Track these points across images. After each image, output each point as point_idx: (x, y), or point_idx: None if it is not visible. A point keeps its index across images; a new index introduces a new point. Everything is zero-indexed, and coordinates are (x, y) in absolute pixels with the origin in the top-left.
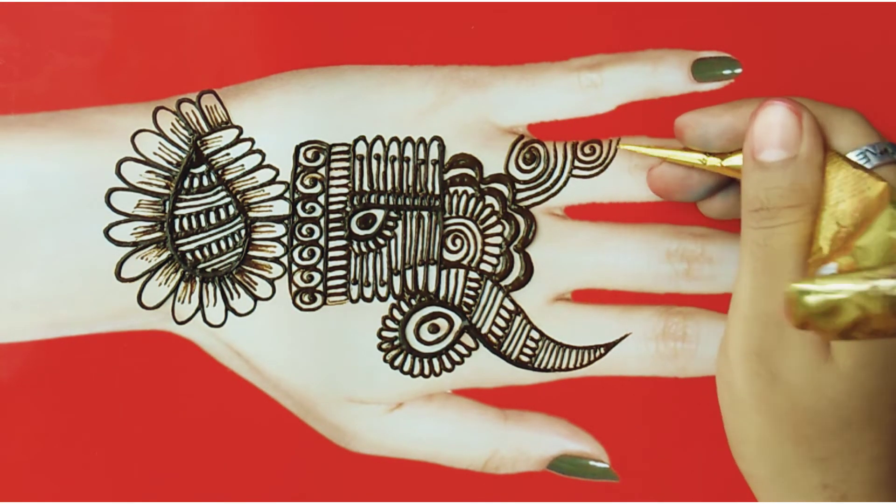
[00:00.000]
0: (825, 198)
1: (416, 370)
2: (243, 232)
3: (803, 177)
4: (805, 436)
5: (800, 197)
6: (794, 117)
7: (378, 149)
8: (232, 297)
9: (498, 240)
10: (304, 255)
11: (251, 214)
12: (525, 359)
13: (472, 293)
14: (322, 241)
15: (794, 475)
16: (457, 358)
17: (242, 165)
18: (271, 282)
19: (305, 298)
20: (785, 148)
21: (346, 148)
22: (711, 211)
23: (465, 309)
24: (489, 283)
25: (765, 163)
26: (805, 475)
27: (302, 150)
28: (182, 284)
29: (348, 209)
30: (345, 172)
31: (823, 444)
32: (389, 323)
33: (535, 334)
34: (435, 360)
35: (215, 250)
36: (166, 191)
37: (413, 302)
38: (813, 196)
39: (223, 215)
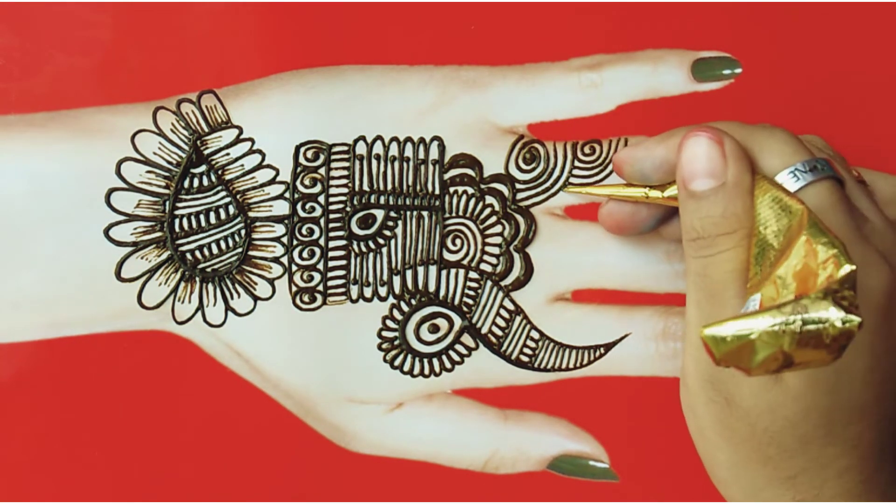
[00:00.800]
0: (756, 222)
1: (416, 370)
2: (243, 232)
3: (734, 203)
4: (769, 456)
5: (732, 224)
6: (716, 146)
7: (378, 149)
8: (232, 297)
9: (498, 240)
10: (304, 255)
11: (251, 214)
12: (525, 359)
13: (472, 293)
14: (322, 241)
15: (766, 495)
16: (457, 358)
17: (242, 165)
18: (271, 282)
19: (305, 298)
20: (712, 177)
21: (346, 148)
22: (672, 235)
23: (465, 309)
24: (489, 283)
25: (696, 192)
26: (776, 494)
27: (302, 150)
28: (182, 284)
29: (348, 209)
30: (345, 172)
31: (788, 463)
32: (389, 323)
33: (535, 334)
34: (435, 360)
35: (215, 250)
36: (166, 191)
37: (413, 302)
38: (746, 221)
39: (223, 215)
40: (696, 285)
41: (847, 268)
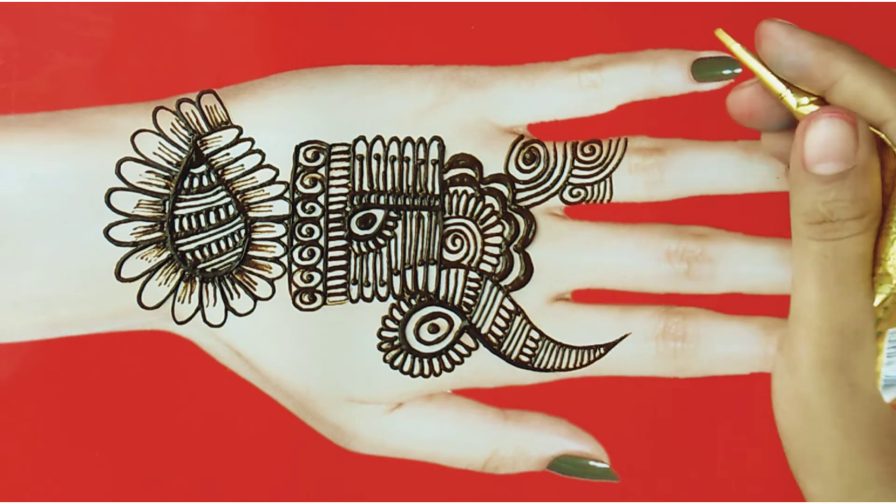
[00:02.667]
0: (891, 208)
1: (416, 370)
2: (243, 232)
3: (864, 187)
4: (885, 450)
5: (862, 207)
6: (850, 128)
7: (378, 149)
8: (232, 297)
9: (498, 240)
10: (304, 255)
11: (251, 214)
12: (525, 359)
13: (471, 293)
14: (322, 241)
15: (872, 493)
16: (457, 358)
17: (242, 165)
18: (271, 282)
19: (305, 298)
20: (843, 160)
21: (345, 148)
22: (771, 147)
23: (464, 309)
24: (489, 283)
25: (822, 176)
26: (881, 493)
27: (302, 150)
28: (182, 284)
29: (348, 209)
30: (345, 172)
31: None
32: (389, 323)
33: (534, 334)
34: (435, 360)
35: (215, 250)
36: (166, 191)
37: (413, 302)
38: (874, 203)
39: (223, 215)
40: (822, 266)
41: None
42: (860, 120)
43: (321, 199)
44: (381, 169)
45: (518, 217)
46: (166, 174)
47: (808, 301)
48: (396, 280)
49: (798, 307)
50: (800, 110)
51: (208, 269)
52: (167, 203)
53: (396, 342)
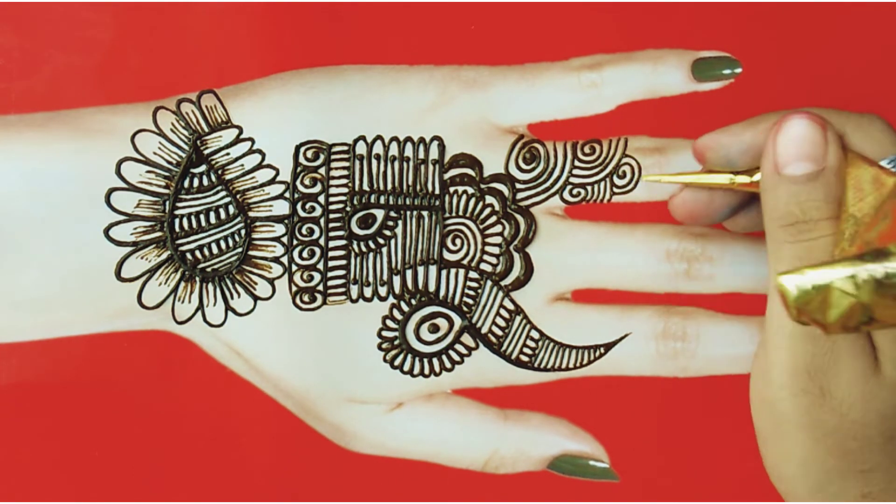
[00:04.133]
0: (846, 202)
1: (416, 370)
2: (243, 232)
3: (835, 187)
4: (849, 449)
5: (834, 208)
6: (819, 129)
7: (378, 148)
8: (232, 297)
9: (498, 239)
10: (304, 254)
11: (251, 214)
12: (525, 359)
13: (472, 293)
14: (322, 241)
15: (835, 487)
16: (457, 358)
17: (242, 165)
18: (271, 281)
19: (305, 298)
20: (813, 161)
21: (346, 148)
22: (738, 227)
23: (465, 309)
24: (489, 283)
25: (794, 177)
26: (846, 487)
27: (302, 149)
28: (182, 284)
29: (348, 209)
30: (345, 172)
31: (866, 457)
32: (389, 323)
33: (535, 334)
34: (435, 360)
35: (215, 250)
36: (166, 191)
37: (413, 302)
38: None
39: (223, 215)
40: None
41: None
42: (829, 123)
43: (321, 198)
44: (382, 169)
45: (518, 217)
46: (166, 174)
47: (782, 307)
48: (396, 280)
49: (772, 313)
50: (755, 179)
51: (208, 269)
52: (167, 203)
53: (396, 342)
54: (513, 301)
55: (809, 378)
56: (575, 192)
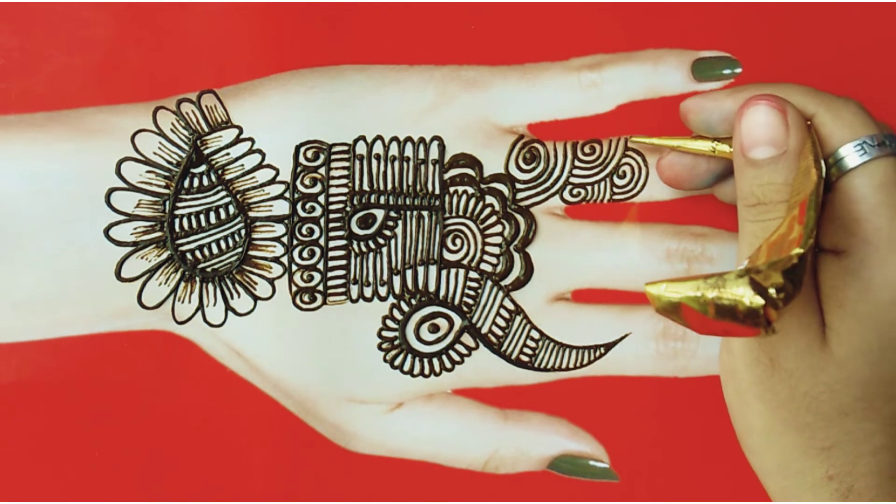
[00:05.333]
0: (793, 185)
1: (416, 370)
2: (243, 232)
3: (794, 172)
4: (805, 423)
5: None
6: (778, 115)
7: (378, 148)
8: (232, 297)
9: (498, 239)
10: (304, 254)
11: (251, 214)
12: (525, 359)
13: (472, 293)
14: (322, 241)
15: (799, 465)
16: (457, 358)
17: (242, 165)
18: (271, 281)
19: (305, 298)
20: (774, 145)
21: (346, 148)
22: (726, 196)
23: (465, 309)
24: (489, 283)
25: (756, 160)
26: (810, 465)
27: (302, 149)
28: (182, 284)
29: (348, 209)
30: (345, 172)
31: (824, 433)
32: (389, 323)
33: (535, 334)
34: (435, 360)
35: (215, 250)
36: (166, 191)
37: (413, 302)
38: None
39: (223, 215)
40: (752, 247)
41: (796, 251)
42: (790, 107)
43: (321, 198)
44: (382, 169)
45: (518, 217)
46: (166, 174)
47: None
48: (397, 280)
49: None
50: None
51: (208, 269)
52: (167, 203)
53: (396, 342)
54: (513, 301)
55: (760, 348)
56: (575, 192)
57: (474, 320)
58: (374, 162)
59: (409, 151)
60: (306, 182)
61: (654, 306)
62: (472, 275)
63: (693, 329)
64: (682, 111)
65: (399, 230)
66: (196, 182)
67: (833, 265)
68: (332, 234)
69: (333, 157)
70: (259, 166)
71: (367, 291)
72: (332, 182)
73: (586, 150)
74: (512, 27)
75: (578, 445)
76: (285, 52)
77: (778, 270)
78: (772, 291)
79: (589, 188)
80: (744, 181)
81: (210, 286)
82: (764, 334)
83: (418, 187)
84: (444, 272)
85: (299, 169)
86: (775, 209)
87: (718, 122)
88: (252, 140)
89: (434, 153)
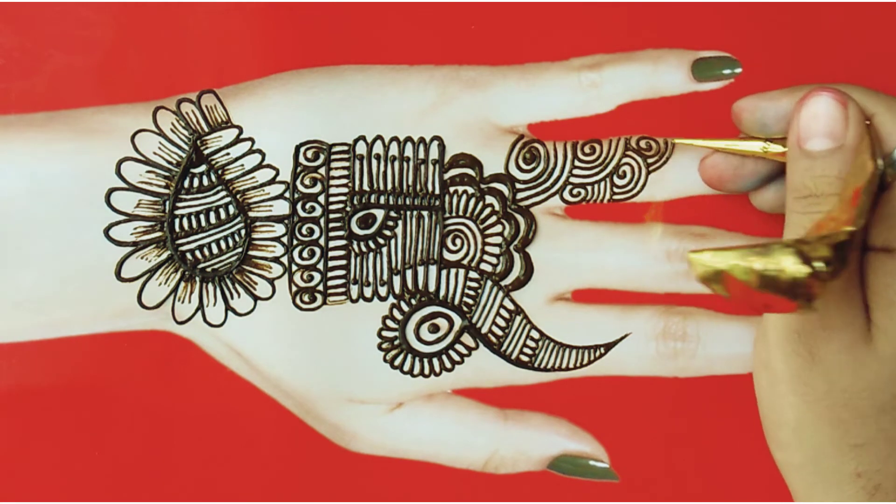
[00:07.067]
0: (845, 180)
1: (416, 370)
2: (243, 232)
3: (848, 167)
4: (841, 419)
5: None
6: (840, 107)
7: (378, 148)
8: (232, 297)
9: (498, 239)
10: (304, 254)
11: (251, 214)
12: (525, 359)
13: (472, 293)
14: (322, 241)
15: (828, 462)
16: (457, 358)
17: (242, 165)
18: (271, 281)
19: (305, 298)
20: (832, 138)
21: (346, 148)
22: (764, 203)
23: (465, 309)
24: (489, 283)
25: (811, 152)
26: (840, 462)
27: (302, 149)
28: (182, 284)
29: (348, 209)
30: (345, 172)
31: (858, 430)
32: (389, 323)
33: (535, 334)
34: (435, 360)
35: (215, 250)
36: (166, 191)
37: (413, 302)
38: None
39: (223, 215)
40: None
41: (848, 228)
42: (852, 102)
43: (321, 198)
44: (382, 169)
45: (518, 217)
46: (166, 174)
47: None
48: (396, 280)
49: None
50: (786, 150)
51: (208, 269)
52: (167, 203)
53: (396, 342)
54: (513, 301)
55: (800, 340)
56: (575, 192)
57: (474, 320)
58: (374, 162)
59: (409, 151)
60: (306, 182)
61: (696, 273)
62: (472, 275)
63: (733, 300)
64: (734, 111)
65: (399, 230)
66: (196, 182)
67: (884, 263)
68: (332, 234)
69: (333, 157)
70: (259, 166)
71: (367, 291)
72: (332, 182)
73: (586, 150)
74: (512, 27)
75: (578, 445)
76: (285, 52)
77: (827, 244)
78: (818, 264)
79: (589, 188)
80: (796, 172)
81: (210, 286)
82: (804, 309)
83: (418, 187)
84: (444, 272)
85: (299, 169)
86: (826, 202)
87: (774, 120)
88: (252, 140)
89: (434, 153)
